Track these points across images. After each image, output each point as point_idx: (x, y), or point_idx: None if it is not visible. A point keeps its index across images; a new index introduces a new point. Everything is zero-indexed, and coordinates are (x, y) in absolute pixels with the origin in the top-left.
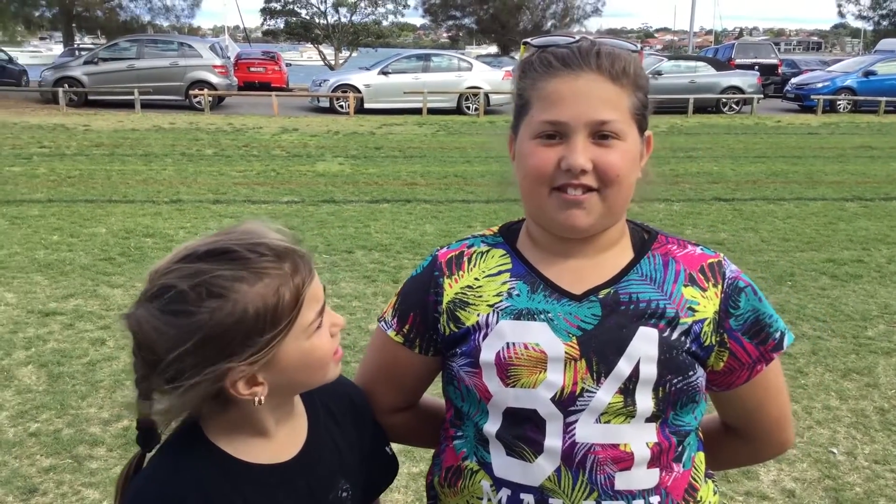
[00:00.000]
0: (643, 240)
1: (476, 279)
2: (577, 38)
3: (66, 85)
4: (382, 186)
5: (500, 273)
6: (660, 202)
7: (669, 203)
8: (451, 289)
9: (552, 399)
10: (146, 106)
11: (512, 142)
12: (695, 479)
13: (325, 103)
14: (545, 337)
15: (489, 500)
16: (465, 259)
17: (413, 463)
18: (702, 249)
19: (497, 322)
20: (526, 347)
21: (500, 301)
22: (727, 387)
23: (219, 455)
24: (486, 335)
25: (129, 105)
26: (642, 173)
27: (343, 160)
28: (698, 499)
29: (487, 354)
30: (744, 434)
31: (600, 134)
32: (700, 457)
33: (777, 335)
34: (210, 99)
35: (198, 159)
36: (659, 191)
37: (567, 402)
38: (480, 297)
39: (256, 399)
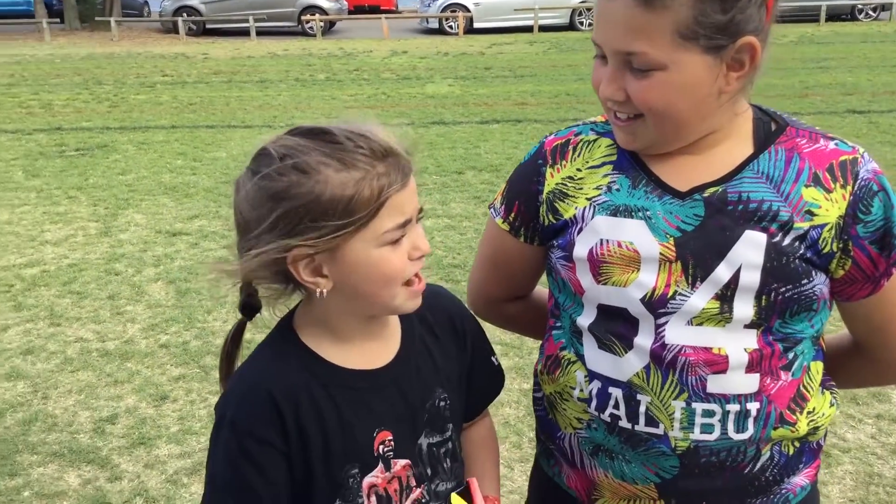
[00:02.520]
0: (768, 132)
1: (578, 170)
2: None
3: (185, 14)
4: (492, 107)
5: (603, 165)
6: (788, 115)
7: (799, 116)
8: (552, 178)
9: (642, 299)
10: (261, 33)
11: None
12: (805, 389)
13: (434, 24)
14: (640, 236)
15: (581, 390)
16: (571, 148)
17: (524, 379)
18: (836, 144)
19: (593, 217)
20: (619, 245)
21: (599, 195)
22: (848, 298)
23: (309, 355)
24: (581, 230)
25: (244, 33)
26: (742, 84)
27: (452, 81)
28: (809, 409)
29: (581, 250)
30: (868, 351)
31: (632, 64)
32: (817, 366)
33: None
34: (322, 24)
35: (311, 84)
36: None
37: (657, 304)
38: (580, 189)
39: (318, 291)
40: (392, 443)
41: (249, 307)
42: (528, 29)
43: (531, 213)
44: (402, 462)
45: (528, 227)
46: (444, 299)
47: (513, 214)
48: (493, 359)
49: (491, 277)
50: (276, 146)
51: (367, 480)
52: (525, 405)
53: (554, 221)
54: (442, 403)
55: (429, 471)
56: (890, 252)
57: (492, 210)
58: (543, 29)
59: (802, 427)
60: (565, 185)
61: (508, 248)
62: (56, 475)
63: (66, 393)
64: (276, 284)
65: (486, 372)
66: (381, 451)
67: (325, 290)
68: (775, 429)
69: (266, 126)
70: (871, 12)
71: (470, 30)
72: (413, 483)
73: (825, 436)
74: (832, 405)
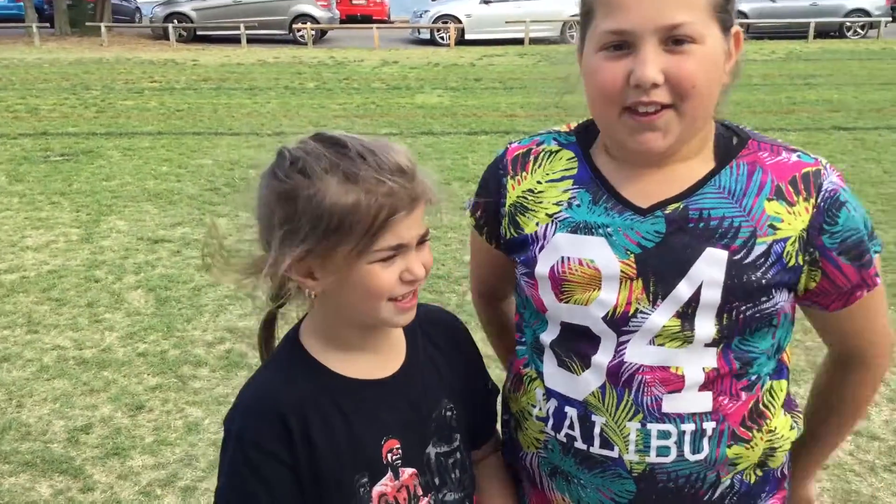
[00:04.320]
0: (729, 147)
1: (538, 182)
2: None
3: (176, 20)
4: (481, 118)
5: (563, 179)
6: (774, 130)
7: (784, 132)
8: (513, 191)
9: (604, 318)
10: (252, 41)
11: (580, 57)
12: (765, 407)
13: (425, 35)
14: (601, 253)
15: (540, 409)
16: (532, 158)
17: None
18: (799, 156)
19: (554, 234)
20: (580, 263)
21: (560, 211)
22: (824, 308)
23: (315, 366)
24: (542, 247)
25: (235, 40)
26: (731, 76)
27: (442, 92)
28: (770, 428)
29: (542, 268)
30: (846, 358)
31: (673, 39)
32: (780, 385)
33: (873, 254)
34: (313, 33)
35: (300, 93)
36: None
37: (619, 322)
38: (540, 203)
39: (307, 291)
40: (400, 451)
41: (279, 295)
42: (519, 41)
43: (493, 221)
44: (410, 471)
45: (491, 233)
46: (447, 317)
47: (479, 213)
48: (489, 384)
49: (473, 273)
50: (293, 148)
51: (377, 489)
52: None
53: (515, 235)
54: (449, 413)
55: (436, 480)
56: (861, 264)
57: (468, 203)
58: (534, 41)
59: (759, 445)
60: (525, 198)
61: (479, 245)
62: (28, 485)
63: (41, 401)
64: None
65: (482, 396)
66: (389, 459)
67: (313, 293)
68: (729, 446)
69: (253, 134)
70: (859, 30)
71: (461, 41)
72: (420, 492)
73: (789, 464)
74: (793, 428)
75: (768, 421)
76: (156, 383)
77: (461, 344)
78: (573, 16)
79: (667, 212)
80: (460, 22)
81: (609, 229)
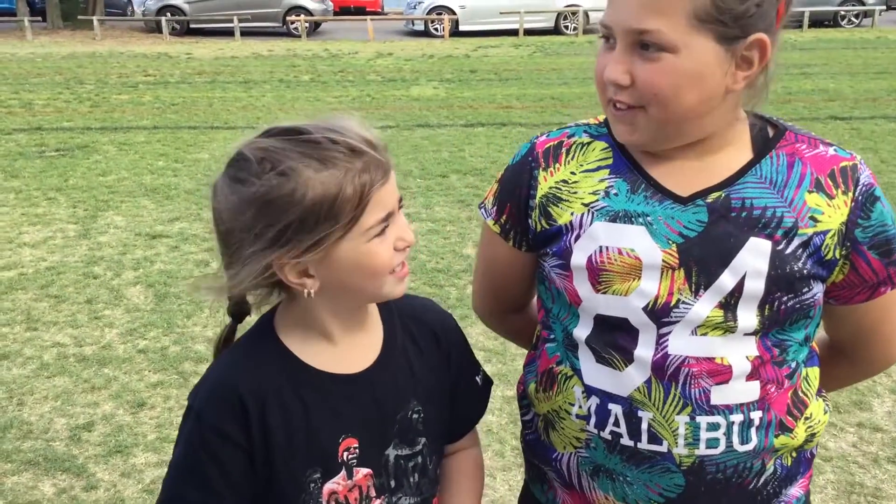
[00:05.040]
0: (766, 138)
1: (573, 173)
2: None
3: (169, 14)
4: (477, 110)
5: (598, 169)
6: (783, 120)
7: None
8: (545, 182)
9: (644, 308)
10: (245, 33)
11: None
12: (805, 395)
13: (419, 26)
14: (642, 242)
15: (580, 407)
16: (564, 150)
17: (507, 386)
18: (835, 150)
19: (591, 223)
20: (620, 253)
21: (597, 200)
22: (845, 301)
23: (285, 355)
24: (578, 237)
25: (228, 33)
26: (748, 84)
27: (438, 84)
28: (807, 415)
29: (579, 258)
30: (850, 352)
31: (640, 44)
32: (814, 372)
33: None
34: (307, 25)
35: (295, 85)
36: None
37: (660, 313)
38: (575, 193)
39: (306, 291)
40: (357, 450)
41: (239, 312)
42: (514, 32)
43: (522, 218)
44: (365, 471)
45: (518, 232)
46: (431, 313)
47: (504, 217)
48: (478, 378)
49: (486, 288)
50: (253, 149)
51: (328, 487)
52: (508, 412)
53: (547, 227)
54: (415, 416)
55: (392, 483)
56: (890, 261)
57: (482, 210)
58: (529, 32)
59: (801, 434)
60: (559, 188)
61: (500, 254)
62: (30, 484)
63: (42, 399)
64: (263, 289)
65: (468, 392)
66: (345, 457)
67: (312, 291)
68: (777, 437)
69: (249, 127)
70: (853, 18)
71: (455, 32)
72: (373, 493)
73: (816, 444)
74: (826, 412)
75: (806, 409)
76: (157, 380)
77: (446, 342)
78: (567, 6)
79: (708, 200)
80: (454, 13)
81: (649, 218)
